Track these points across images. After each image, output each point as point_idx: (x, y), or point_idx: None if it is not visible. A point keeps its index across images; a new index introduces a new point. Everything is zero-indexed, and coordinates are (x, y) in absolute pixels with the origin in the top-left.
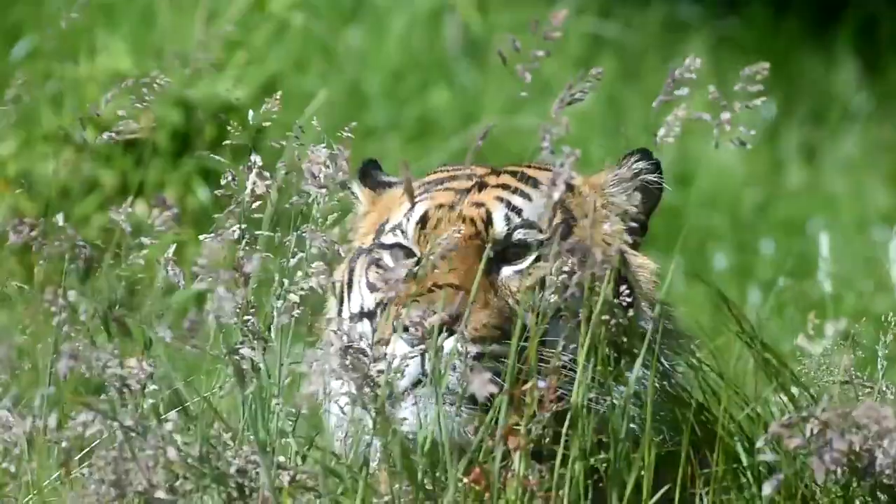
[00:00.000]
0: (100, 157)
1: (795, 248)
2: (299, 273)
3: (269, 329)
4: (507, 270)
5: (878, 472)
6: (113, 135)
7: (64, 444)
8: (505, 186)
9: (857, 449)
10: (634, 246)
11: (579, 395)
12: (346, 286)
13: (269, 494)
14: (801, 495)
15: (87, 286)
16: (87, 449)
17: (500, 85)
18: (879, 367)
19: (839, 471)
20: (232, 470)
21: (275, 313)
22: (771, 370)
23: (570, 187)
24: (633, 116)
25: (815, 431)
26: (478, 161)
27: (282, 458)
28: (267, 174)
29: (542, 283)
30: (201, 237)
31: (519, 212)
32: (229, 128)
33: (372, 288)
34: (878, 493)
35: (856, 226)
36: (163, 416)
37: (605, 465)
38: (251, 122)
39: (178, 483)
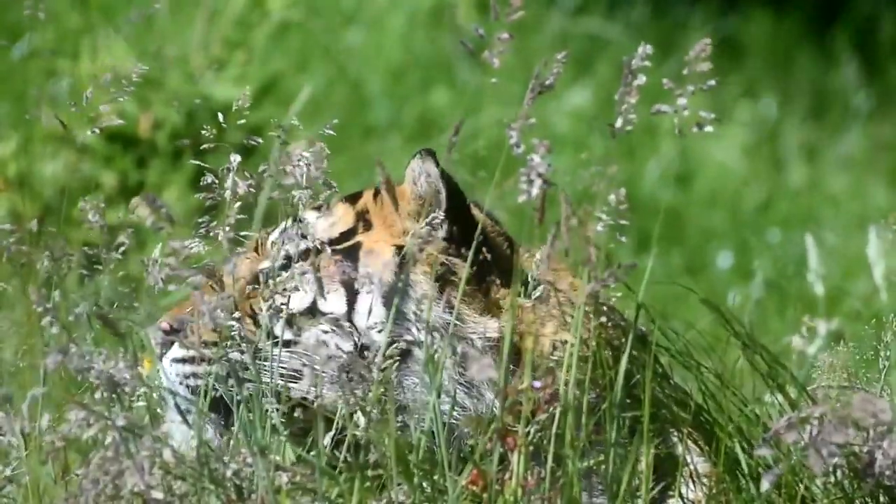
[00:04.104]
0: (99, 158)
1: (795, 247)
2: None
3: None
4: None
5: (879, 474)
6: (97, 130)
7: (58, 444)
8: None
9: (853, 441)
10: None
11: (570, 394)
12: None
13: (267, 496)
14: (802, 497)
15: (86, 288)
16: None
17: (500, 84)
18: (881, 366)
19: (839, 472)
20: (229, 472)
21: (262, 315)
22: (769, 372)
23: (376, 192)
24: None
25: (813, 426)
26: (471, 158)
27: (278, 459)
28: (248, 174)
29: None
30: (186, 242)
31: (301, 223)
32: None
33: None
34: (878, 494)
35: (856, 225)
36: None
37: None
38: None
39: (176, 486)
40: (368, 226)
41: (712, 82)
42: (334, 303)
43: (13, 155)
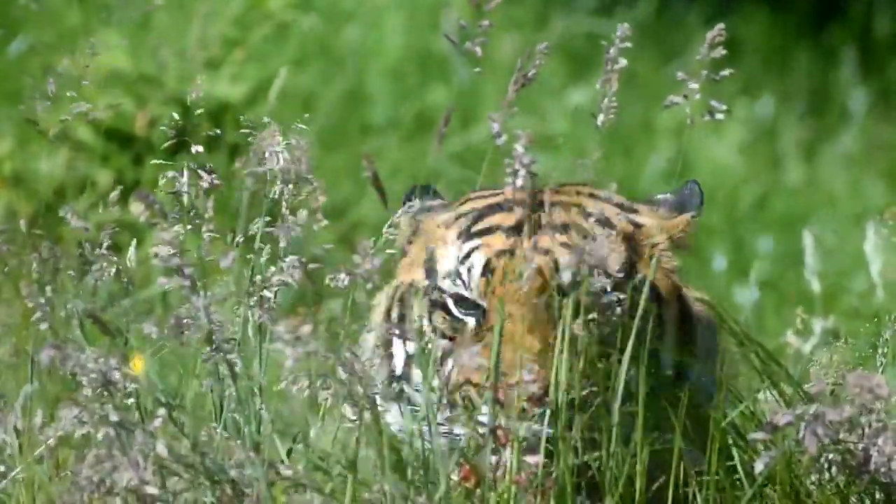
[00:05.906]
0: (96, 156)
1: (793, 245)
2: (272, 269)
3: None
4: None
5: (874, 470)
6: (68, 118)
7: (52, 441)
8: (566, 226)
9: (849, 438)
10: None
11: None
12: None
13: (263, 492)
14: (797, 494)
15: (79, 286)
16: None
17: (498, 82)
18: (878, 363)
19: (834, 468)
20: (225, 469)
21: (249, 311)
22: (763, 368)
23: (636, 226)
24: (632, 115)
25: (807, 408)
26: (475, 161)
27: (273, 456)
28: (209, 166)
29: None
30: (154, 247)
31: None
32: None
33: (442, 335)
34: (874, 490)
35: (854, 222)
36: (153, 414)
37: (597, 462)
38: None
39: (171, 482)
40: None
41: (725, 72)
42: None
43: (9, 153)
